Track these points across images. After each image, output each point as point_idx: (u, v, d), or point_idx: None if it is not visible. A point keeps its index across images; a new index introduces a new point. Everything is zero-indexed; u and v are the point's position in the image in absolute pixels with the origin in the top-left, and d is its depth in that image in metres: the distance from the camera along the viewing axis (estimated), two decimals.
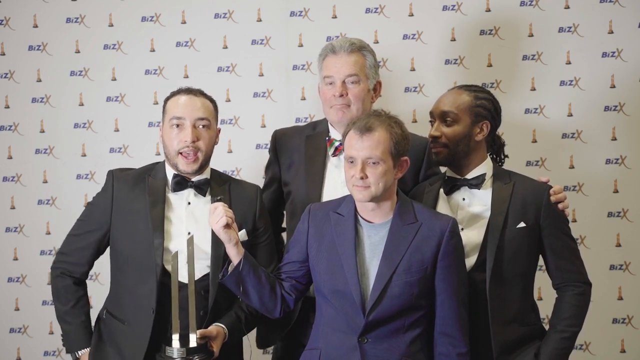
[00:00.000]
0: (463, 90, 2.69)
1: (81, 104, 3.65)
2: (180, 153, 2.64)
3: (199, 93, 2.71)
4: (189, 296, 2.47)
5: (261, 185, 2.92)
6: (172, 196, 2.69)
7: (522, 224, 2.59)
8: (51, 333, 3.65)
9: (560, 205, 2.63)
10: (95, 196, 2.78)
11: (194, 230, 2.63)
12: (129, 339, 2.64)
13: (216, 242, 2.61)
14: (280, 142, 3.00)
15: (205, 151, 2.67)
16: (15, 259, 3.67)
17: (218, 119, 2.75)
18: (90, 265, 2.76)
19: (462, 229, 2.60)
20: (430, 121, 2.71)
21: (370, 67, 2.84)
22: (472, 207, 2.64)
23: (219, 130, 2.76)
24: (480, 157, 2.67)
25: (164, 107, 2.72)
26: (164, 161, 2.75)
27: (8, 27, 3.64)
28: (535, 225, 2.61)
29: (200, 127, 2.65)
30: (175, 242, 2.63)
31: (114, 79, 3.64)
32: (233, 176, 3.46)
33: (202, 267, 2.63)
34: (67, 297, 2.73)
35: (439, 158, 2.68)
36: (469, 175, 2.66)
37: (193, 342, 2.49)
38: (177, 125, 2.64)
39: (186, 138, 2.62)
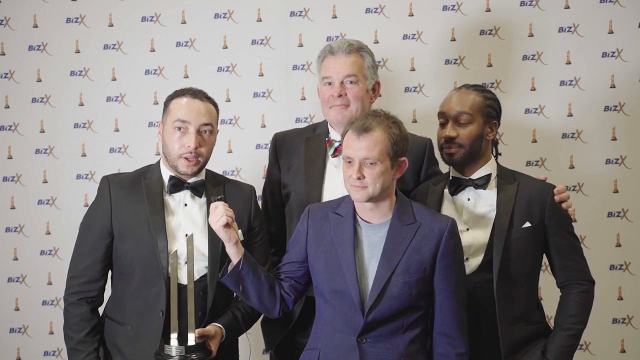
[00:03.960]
0: (471, 90, 2.68)
1: (81, 104, 3.64)
2: (183, 157, 2.61)
3: (204, 97, 2.67)
4: (188, 294, 2.47)
5: (258, 186, 2.91)
6: (169, 198, 2.68)
7: (527, 224, 2.60)
8: (51, 333, 3.64)
9: (564, 205, 2.64)
10: (90, 208, 2.73)
11: (191, 231, 2.61)
12: (134, 342, 2.63)
13: (213, 243, 2.62)
14: (280, 145, 2.99)
15: (206, 156, 2.66)
16: (15, 259, 3.66)
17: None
18: (105, 280, 2.70)
19: (468, 229, 2.61)
20: (441, 122, 2.68)
21: (368, 67, 2.84)
22: (478, 207, 2.64)
23: (217, 132, 2.76)
24: (486, 157, 2.68)
25: (166, 105, 2.67)
26: (157, 162, 2.73)
27: (8, 27, 3.64)
28: (540, 224, 2.61)
29: (204, 132, 2.63)
30: (176, 244, 2.62)
31: (114, 79, 3.63)
32: (233, 176, 3.47)
33: (200, 268, 2.63)
34: (82, 325, 2.64)
35: (454, 159, 2.64)
36: (474, 176, 2.66)
37: (191, 341, 2.49)
38: (180, 129, 2.62)
39: (189, 144, 2.59)
